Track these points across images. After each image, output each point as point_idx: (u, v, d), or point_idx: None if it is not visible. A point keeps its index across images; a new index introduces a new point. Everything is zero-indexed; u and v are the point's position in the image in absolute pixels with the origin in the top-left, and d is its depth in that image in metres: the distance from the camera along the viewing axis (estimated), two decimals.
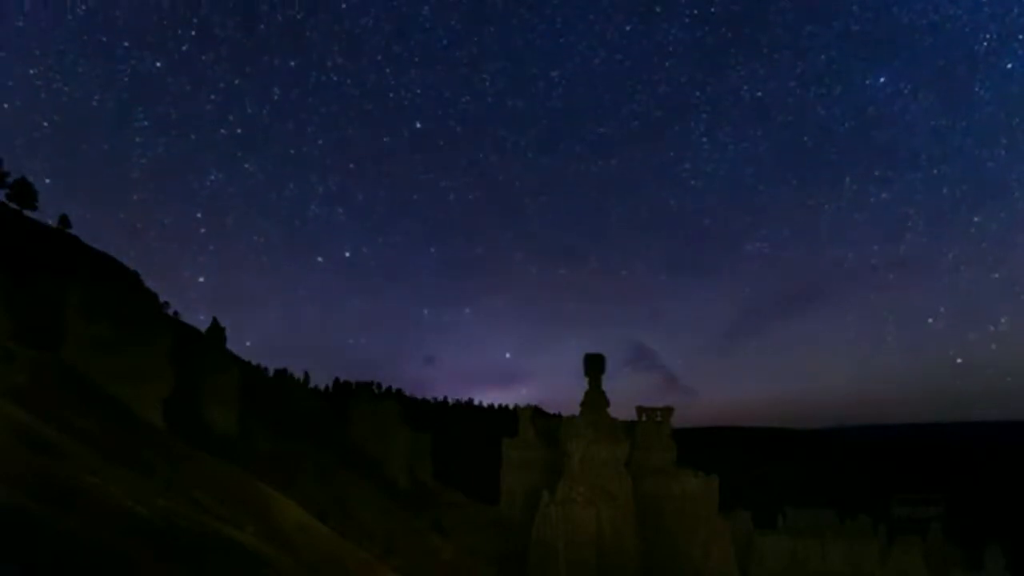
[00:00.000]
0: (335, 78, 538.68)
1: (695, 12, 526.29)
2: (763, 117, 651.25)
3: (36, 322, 37.41)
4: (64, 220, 73.50)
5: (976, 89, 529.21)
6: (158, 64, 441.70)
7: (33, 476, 12.82)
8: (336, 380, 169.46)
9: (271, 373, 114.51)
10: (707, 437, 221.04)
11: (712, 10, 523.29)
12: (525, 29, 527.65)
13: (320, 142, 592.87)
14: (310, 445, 58.90)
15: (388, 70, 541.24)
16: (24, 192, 71.33)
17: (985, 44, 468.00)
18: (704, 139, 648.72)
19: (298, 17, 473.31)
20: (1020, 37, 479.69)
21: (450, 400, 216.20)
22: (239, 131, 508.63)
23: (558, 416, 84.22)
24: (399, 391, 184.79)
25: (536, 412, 79.59)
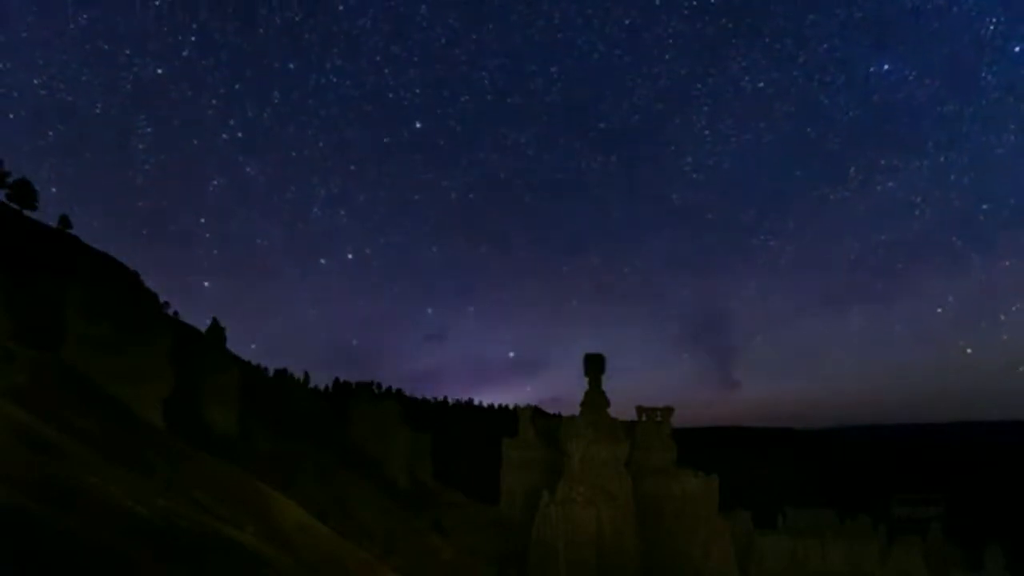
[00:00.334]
0: (334, 80, 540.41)
1: (694, 3, 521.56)
2: (765, 108, 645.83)
3: (36, 322, 37.40)
4: (64, 220, 73.46)
5: (983, 74, 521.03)
6: (159, 71, 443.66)
7: (33, 476, 12.83)
8: (336, 380, 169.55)
9: (271, 373, 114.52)
10: (707, 437, 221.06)
11: (712, 1, 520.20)
12: (523, 25, 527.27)
13: (321, 144, 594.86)
14: (310, 445, 58.91)
15: (387, 70, 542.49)
16: (24, 192, 71.31)
17: (992, 27, 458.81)
18: (706, 132, 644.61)
19: (296, 20, 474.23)
20: None
21: (450, 400, 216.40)
22: (240, 135, 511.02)
23: (558, 416, 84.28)
24: (399, 391, 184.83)
25: (536, 412, 79.61)
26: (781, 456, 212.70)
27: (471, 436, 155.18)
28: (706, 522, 66.45)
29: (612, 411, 68.26)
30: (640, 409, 72.79)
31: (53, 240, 67.74)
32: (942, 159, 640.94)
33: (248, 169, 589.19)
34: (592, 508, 61.55)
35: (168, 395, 38.78)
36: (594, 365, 69.02)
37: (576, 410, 68.46)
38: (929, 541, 78.82)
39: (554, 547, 60.25)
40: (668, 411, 72.90)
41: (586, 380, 69.04)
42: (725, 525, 67.86)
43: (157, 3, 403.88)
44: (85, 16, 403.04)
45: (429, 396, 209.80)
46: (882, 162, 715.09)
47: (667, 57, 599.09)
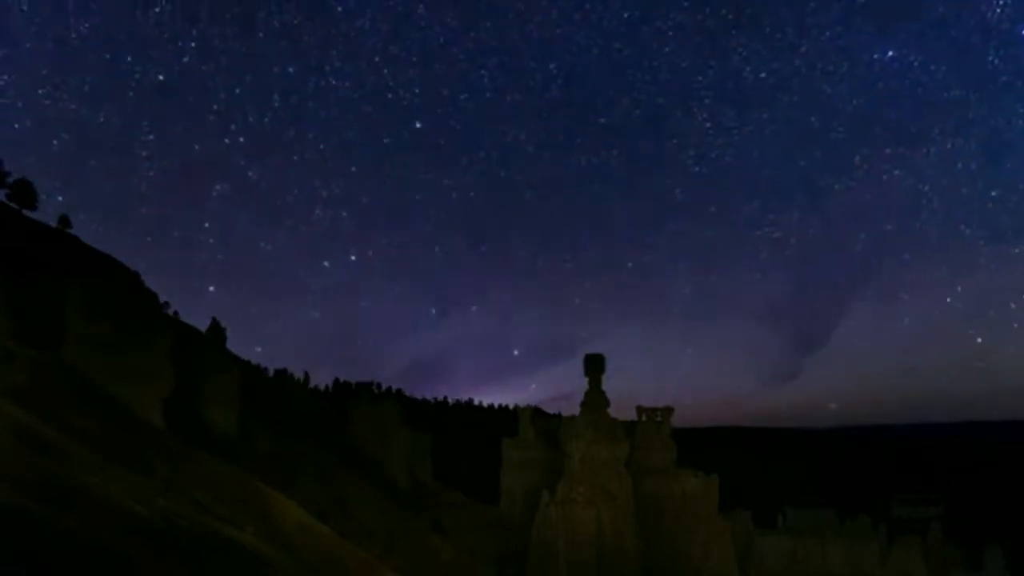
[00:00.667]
0: (334, 82, 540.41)
1: None
2: (768, 99, 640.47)
3: (36, 322, 37.39)
4: (64, 220, 73.47)
5: (990, 58, 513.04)
6: (161, 77, 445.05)
7: (33, 476, 12.82)
8: (336, 380, 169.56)
9: (271, 373, 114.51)
10: (707, 437, 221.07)
11: None
12: (521, 22, 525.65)
13: (322, 147, 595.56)
14: (310, 445, 58.89)
15: (386, 71, 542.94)
16: (24, 192, 71.30)
17: (999, 10, 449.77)
18: (708, 124, 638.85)
19: (295, 23, 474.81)
20: None
21: (450, 400, 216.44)
22: (242, 140, 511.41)
23: (558, 416, 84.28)
24: (399, 391, 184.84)
25: (536, 412, 79.62)
26: (781, 456, 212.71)
27: (471, 436, 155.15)
28: (706, 522, 66.44)
29: (612, 411, 68.36)
30: (640, 409, 72.82)
31: (53, 240, 67.74)
32: (949, 146, 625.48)
33: (250, 173, 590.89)
34: (592, 508, 61.55)
35: (168, 395, 38.75)
36: (594, 365, 69.02)
37: (576, 409, 68.53)
38: (929, 541, 78.85)
39: (554, 547, 60.26)
40: (668, 411, 72.91)
41: (586, 380, 69.08)
42: (725, 525, 67.86)
43: (157, 10, 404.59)
44: (86, 25, 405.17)
45: (429, 396, 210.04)
46: (887, 151, 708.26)
47: (667, 50, 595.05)
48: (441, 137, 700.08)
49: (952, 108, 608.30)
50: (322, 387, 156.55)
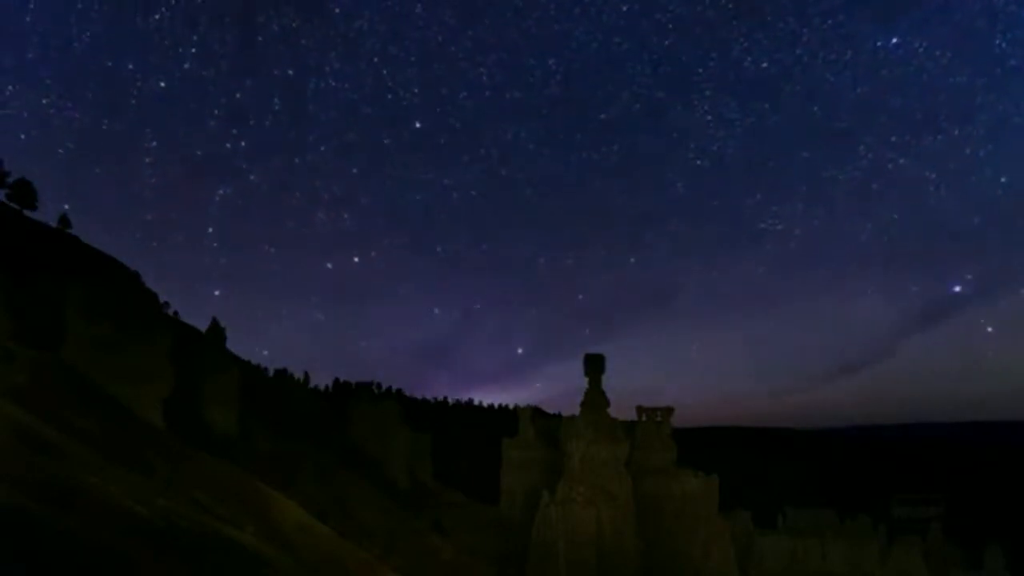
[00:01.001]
0: (333, 83, 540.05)
1: None
2: (770, 89, 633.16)
3: (36, 322, 37.39)
4: (64, 220, 73.50)
5: (997, 41, 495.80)
6: (162, 84, 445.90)
7: (33, 476, 12.83)
8: (336, 380, 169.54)
9: (271, 373, 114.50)
10: (707, 437, 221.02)
11: None
12: (519, 18, 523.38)
13: (322, 149, 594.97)
14: (310, 445, 58.89)
15: (385, 71, 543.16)
16: (24, 192, 71.31)
17: None
18: (709, 117, 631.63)
19: (293, 26, 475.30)
20: None
21: (450, 400, 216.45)
22: (243, 144, 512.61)
23: (558, 416, 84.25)
24: (399, 391, 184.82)
25: (536, 412, 79.63)
26: (781, 456, 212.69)
27: (471, 436, 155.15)
28: (706, 522, 66.45)
29: (612, 411, 68.37)
30: (640, 409, 72.84)
31: (53, 240, 67.76)
32: (956, 133, 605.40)
33: (252, 177, 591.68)
34: (592, 508, 61.55)
35: (168, 395, 38.76)
36: (594, 365, 69.02)
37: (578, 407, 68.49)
38: (929, 541, 78.87)
39: (554, 547, 60.26)
40: (668, 411, 72.93)
41: (586, 380, 69.08)
42: (725, 525, 67.87)
43: (157, 17, 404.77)
44: (88, 34, 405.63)
45: (429, 396, 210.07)
46: (893, 139, 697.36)
47: (667, 43, 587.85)
48: (441, 136, 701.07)
49: (959, 94, 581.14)
50: (322, 387, 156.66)
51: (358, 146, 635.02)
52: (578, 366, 69.43)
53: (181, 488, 21.92)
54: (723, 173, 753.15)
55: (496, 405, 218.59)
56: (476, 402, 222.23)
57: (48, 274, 44.63)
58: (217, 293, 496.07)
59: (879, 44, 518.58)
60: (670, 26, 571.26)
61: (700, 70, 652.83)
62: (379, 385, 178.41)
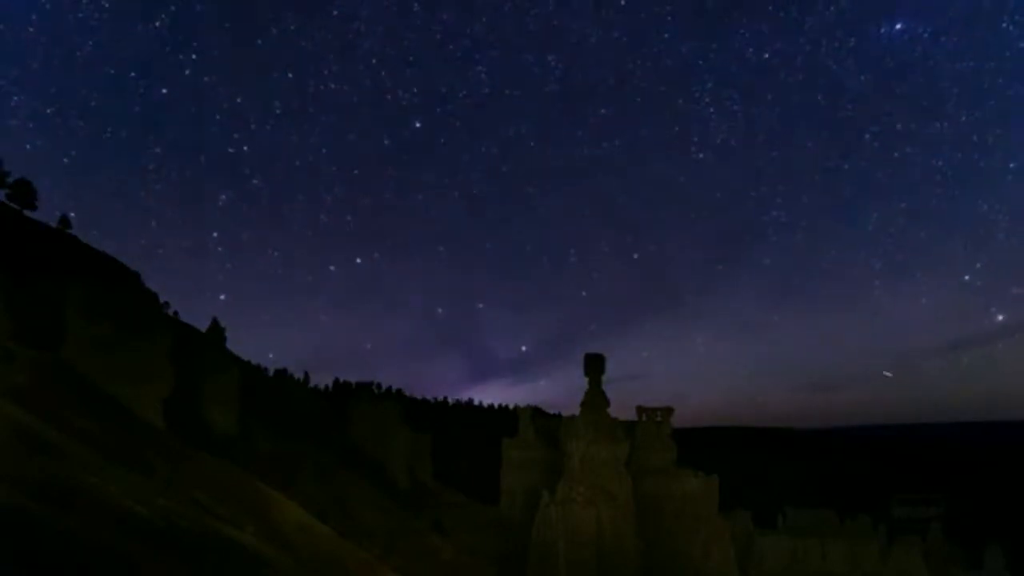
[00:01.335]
0: (332, 86, 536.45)
1: None
2: (772, 79, 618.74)
3: (36, 322, 37.40)
4: (64, 220, 73.51)
5: (1004, 24, 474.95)
6: (164, 91, 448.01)
7: (33, 476, 12.83)
8: (336, 380, 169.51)
9: (271, 373, 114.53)
10: (707, 437, 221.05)
11: None
12: (517, 15, 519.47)
13: (324, 151, 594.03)
14: (310, 445, 58.90)
15: (383, 72, 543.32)
16: (24, 192, 71.30)
17: None
18: (711, 109, 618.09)
19: (292, 29, 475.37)
20: None
21: (450, 400, 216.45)
22: (245, 148, 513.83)
23: (558, 416, 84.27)
24: (399, 391, 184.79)
25: (536, 412, 79.66)
26: (781, 456, 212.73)
27: (471, 436, 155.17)
28: (706, 522, 66.45)
29: (612, 411, 68.35)
30: (640, 409, 72.83)
31: (53, 240, 67.76)
32: (963, 119, 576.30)
33: (255, 181, 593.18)
34: (592, 508, 61.55)
35: (168, 395, 38.77)
36: (594, 365, 69.01)
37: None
38: (929, 541, 78.86)
39: (554, 547, 60.25)
40: (668, 411, 72.93)
41: (586, 380, 69.06)
42: (725, 525, 67.87)
43: (157, 24, 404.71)
44: (90, 43, 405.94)
45: (429, 396, 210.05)
46: (899, 127, 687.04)
47: (666, 36, 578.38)
48: (441, 136, 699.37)
49: (965, 79, 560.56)
50: (322, 387, 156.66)
51: (358, 147, 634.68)
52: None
53: (181, 488, 21.92)
54: (726, 165, 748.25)
55: (496, 405, 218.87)
56: (476, 402, 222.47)
57: (48, 274, 44.65)
58: (223, 297, 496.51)
59: (883, 30, 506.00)
60: (669, 18, 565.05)
61: (701, 62, 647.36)
62: (379, 385, 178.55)
